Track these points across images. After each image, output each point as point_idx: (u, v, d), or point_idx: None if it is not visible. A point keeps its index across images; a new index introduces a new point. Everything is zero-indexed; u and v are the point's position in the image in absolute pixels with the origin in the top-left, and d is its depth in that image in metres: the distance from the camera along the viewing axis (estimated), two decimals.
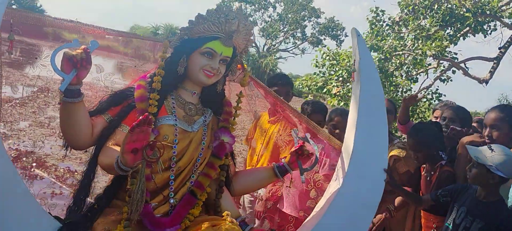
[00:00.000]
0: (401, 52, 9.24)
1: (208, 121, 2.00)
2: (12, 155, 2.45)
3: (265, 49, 39.91)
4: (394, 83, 9.32)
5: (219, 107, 2.06)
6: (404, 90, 9.59)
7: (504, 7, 9.19)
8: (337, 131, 2.97)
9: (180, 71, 1.90)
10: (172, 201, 1.83)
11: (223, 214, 1.82)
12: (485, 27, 9.45)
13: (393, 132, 3.66)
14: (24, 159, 2.52)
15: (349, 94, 9.50)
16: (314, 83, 9.36)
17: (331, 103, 8.94)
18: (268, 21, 39.21)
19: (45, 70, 1.90)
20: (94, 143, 1.81)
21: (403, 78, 9.55)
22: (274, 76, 3.39)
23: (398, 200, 2.95)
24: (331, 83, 9.19)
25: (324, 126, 3.08)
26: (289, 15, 38.44)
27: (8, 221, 1.55)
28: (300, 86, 9.77)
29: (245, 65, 2.13)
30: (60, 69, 1.59)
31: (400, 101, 9.57)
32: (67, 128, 1.73)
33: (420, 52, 8.91)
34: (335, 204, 2.14)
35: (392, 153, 3.01)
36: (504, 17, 9.30)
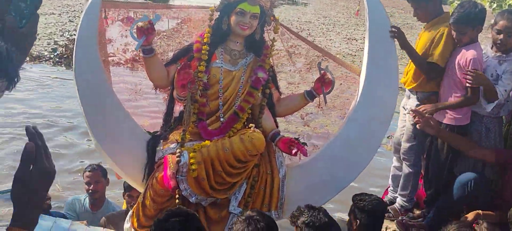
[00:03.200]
0: None
1: (248, 62, 2.73)
2: None
3: None
4: None
5: (259, 51, 2.76)
6: None
7: None
8: (500, 36, 2.79)
9: (224, 27, 2.65)
10: (221, 119, 2.68)
11: (250, 125, 2.61)
12: None
13: None
14: None
15: None
16: None
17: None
18: None
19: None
20: (170, 83, 2.71)
21: None
22: None
23: None
24: None
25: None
26: None
27: (117, 133, 2.58)
28: None
29: (277, 17, 2.77)
30: (135, 36, 2.47)
31: None
32: (149, 74, 2.65)
33: None
34: (351, 118, 2.75)
35: None
36: None
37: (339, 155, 2.74)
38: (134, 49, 2.62)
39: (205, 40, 2.67)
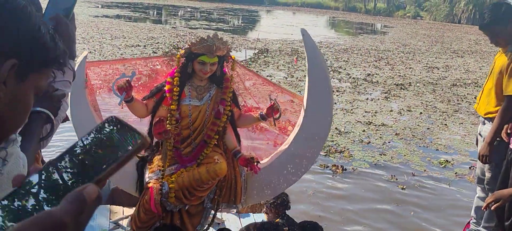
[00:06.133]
0: None
1: (212, 95, 3.36)
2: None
3: None
4: None
5: (220, 83, 3.37)
6: None
7: None
8: None
9: (189, 71, 3.24)
10: (193, 144, 3.40)
11: (214, 157, 3.34)
12: None
13: None
14: None
15: None
16: None
17: None
18: None
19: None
20: (149, 114, 3.38)
21: None
22: None
23: None
24: None
25: None
26: None
27: None
28: None
29: (233, 57, 3.33)
30: (117, 92, 3.08)
31: None
32: (133, 113, 3.30)
33: None
34: (295, 137, 3.48)
35: None
36: None
37: (285, 164, 3.53)
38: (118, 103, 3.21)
39: (175, 82, 3.27)
